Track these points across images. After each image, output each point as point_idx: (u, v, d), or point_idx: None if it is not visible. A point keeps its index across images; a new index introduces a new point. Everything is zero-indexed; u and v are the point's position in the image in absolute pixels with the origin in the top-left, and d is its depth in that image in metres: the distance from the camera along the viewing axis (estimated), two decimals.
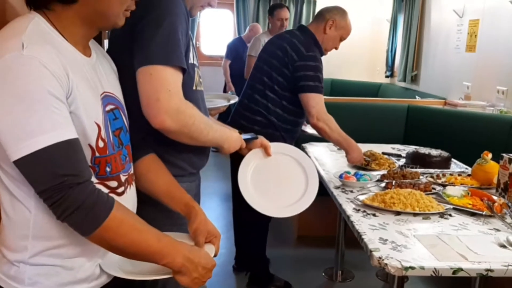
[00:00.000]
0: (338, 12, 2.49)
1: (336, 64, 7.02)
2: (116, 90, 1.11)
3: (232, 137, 1.40)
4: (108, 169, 1.02)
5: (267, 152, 1.52)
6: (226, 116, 2.62)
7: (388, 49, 6.51)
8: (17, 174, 0.89)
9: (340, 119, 2.77)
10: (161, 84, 1.14)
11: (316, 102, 2.35)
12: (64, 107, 0.88)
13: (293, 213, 1.48)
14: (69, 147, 0.88)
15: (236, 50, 5.81)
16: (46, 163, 0.85)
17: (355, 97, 5.06)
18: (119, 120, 1.09)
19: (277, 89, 2.43)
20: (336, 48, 2.57)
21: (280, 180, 1.50)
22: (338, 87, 6.92)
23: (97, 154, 0.99)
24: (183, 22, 1.21)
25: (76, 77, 0.93)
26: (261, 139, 1.52)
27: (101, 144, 0.99)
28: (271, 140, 2.41)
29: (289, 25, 7.02)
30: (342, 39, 2.53)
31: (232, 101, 1.83)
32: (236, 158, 2.59)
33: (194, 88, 1.33)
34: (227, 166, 2.78)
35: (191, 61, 1.29)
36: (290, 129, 2.50)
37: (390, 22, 6.45)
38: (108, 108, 1.04)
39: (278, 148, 1.55)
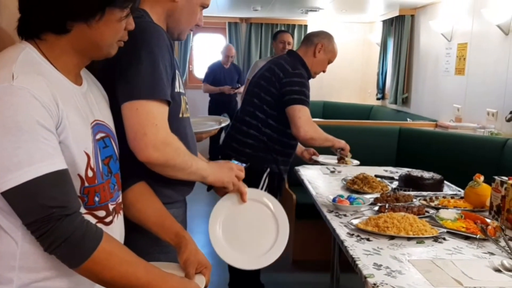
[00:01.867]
0: (325, 36, 2.57)
1: (328, 87, 7.10)
2: (106, 118, 1.11)
3: (215, 165, 1.37)
4: (96, 199, 1.00)
5: (242, 198, 1.47)
6: (218, 139, 2.63)
7: (378, 72, 6.59)
8: (4, 205, 0.87)
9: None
10: (147, 118, 1.15)
11: (301, 112, 2.38)
12: (53, 138, 0.88)
13: (260, 266, 1.43)
14: (58, 178, 0.87)
15: (214, 73, 5.91)
16: (34, 195, 0.84)
17: (347, 119, 5.10)
18: (109, 148, 1.08)
19: (266, 108, 2.46)
20: (324, 71, 2.63)
21: (251, 228, 1.45)
22: (330, 110, 6.97)
23: (86, 184, 0.97)
24: (166, 54, 1.22)
25: (66, 106, 0.92)
26: (239, 185, 1.45)
27: (90, 173, 0.98)
28: (263, 165, 2.43)
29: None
30: (330, 62, 2.61)
31: (223, 124, 1.82)
32: None
33: (180, 115, 1.33)
34: None
35: (177, 89, 1.30)
36: (282, 151, 2.50)
37: (380, 45, 6.55)
38: (98, 136, 1.04)
39: (253, 194, 1.51)
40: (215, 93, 5.83)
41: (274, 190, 2.61)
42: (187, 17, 1.38)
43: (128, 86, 1.15)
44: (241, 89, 5.63)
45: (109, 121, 1.12)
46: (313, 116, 6.09)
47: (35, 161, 0.84)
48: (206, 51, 7.34)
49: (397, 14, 5.69)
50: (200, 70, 7.26)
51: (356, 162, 2.80)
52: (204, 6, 1.41)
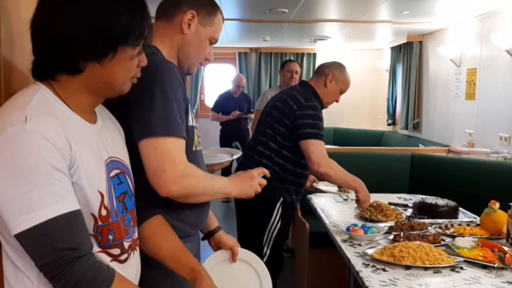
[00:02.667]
0: (337, 67, 2.58)
1: (339, 113, 7.12)
2: (122, 154, 1.11)
3: (236, 179, 1.41)
4: (110, 237, 1.00)
5: (233, 257, 1.51)
6: (229, 170, 2.64)
7: (388, 97, 6.62)
8: (19, 246, 0.88)
9: (344, 168, 2.79)
10: (165, 155, 1.17)
11: (315, 148, 2.36)
12: (66, 179, 0.88)
13: None
14: (70, 220, 0.87)
15: (223, 102, 5.97)
16: (46, 238, 0.85)
17: (358, 145, 5.10)
18: (124, 185, 1.08)
19: (279, 139, 2.46)
20: (337, 101, 2.63)
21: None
22: (341, 136, 6.98)
23: (99, 223, 0.97)
24: (178, 89, 1.24)
25: (80, 147, 0.93)
26: (232, 243, 1.51)
27: (104, 212, 0.98)
28: (277, 194, 2.42)
29: None
30: (342, 92, 2.60)
31: (235, 156, 1.84)
32: (242, 209, 2.61)
33: (194, 149, 1.35)
34: (234, 217, 2.76)
35: (190, 123, 1.32)
36: (294, 181, 2.49)
37: (389, 71, 6.59)
38: (113, 173, 1.04)
39: (244, 255, 1.53)
40: (225, 122, 5.88)
41: (287, 219, 2.60)
42: (196, 50, 1.40)
43: (144, 124, 1.18)
44: (252, 116, 5.67)
45: (124, 157, 1.12)
46: (324, 143, 6.06)
47: (47, 203, 0.84)
48: (217, 80, 7.45)
49: (405, 41, 5.75)
50: (211, 99, 7.35)
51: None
52: (213, 41, 1.43)
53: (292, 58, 7.29)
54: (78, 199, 0.91)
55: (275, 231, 2.46)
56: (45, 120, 0.88)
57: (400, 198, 3.04)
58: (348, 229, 2.12)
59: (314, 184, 2.71)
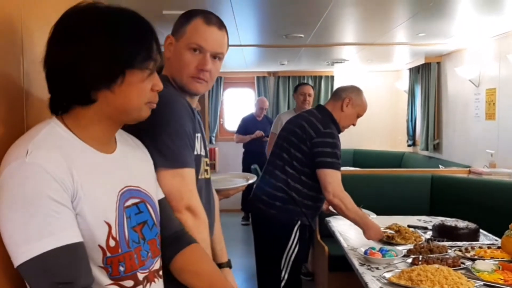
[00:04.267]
0: (353, 90, 2.59)
1: (358, 135, 7.09)
2: (143, 183, 1.09)
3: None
4: (122, 268, 0.97)
5: None
6: (250, 192, 2.66)
7: (408, 118, 6.58)
8: None
9: (363, 191, 2.79)
10: (183, 184, 1.27)
11: (332, 178, 2.37)
12: (66, 211, 0.88)
13: None
14: (66, 253, 0.86)
15: (247, 125, 6.05)
16: (42, 270, 0.84)
17: (378, 167, 5.07)
18: (144, 214, 1.06)
19: (296, 164, 2.47)
20: (354, 125, 2.63)
21: None
22: (361, 158, 6.95)
23: (108, 254, 0.95)
24: (188, 122, 1.31)
25: (85, 177, 0.92)
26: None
27: (112, 243, 0.96)
28: (294, 217, 2.43)
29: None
30: (359, 116, 2.60)
31: (251, 181, 1.87)
32: (259, 233, 2.62)
33: (199, 177, 1.40)
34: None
35: (197, 152, 1.37)
36: (311, 205, 2.49)
37: (408, 92, 6.58)
38: (129, 202, 1.02)
39: None
40: (248, 145, 5.94)
41: (306, 242, 2.59)
42: (179, 66, 1.36)
43: (160, 155, 1.24)
44: None
45: (147, 186, 1.11)
46: (343, 165, 6.05)
47: (44, 235, 0.84)
48: (236, 104, 7.54)
49: (423, 62, 5.75)
50: (230, 123, 7.44)
51: (373, 215, 2.78)
52: (195, 46, 1.34)
53: (309, 81, 7.35)
54: (82, 231, 0.90)
55: (293, 255, 2.46)
56: (46, 153, 0.89)
57: (420, 220, 3.01)
58: (365, 252, 2.12)
59: (331, 208, 2.70)
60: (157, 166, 1.23)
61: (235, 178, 1.91)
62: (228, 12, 3.27)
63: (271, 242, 2.51)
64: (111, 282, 0.97)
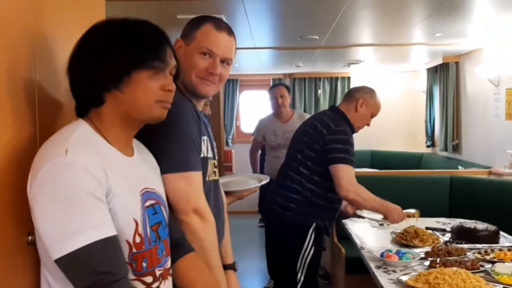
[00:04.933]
0: (367, 91, 2.58)
1: (375, 135, 7.04)
2: (157, 186, 1.17)
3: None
4: (144, 265, 1.04)
5: None
6: (266, 192, 2.66)
7: (426, 119, 6.50)
8: (58, 271, 0.92)
9: (380, 192, 2.76)
10: (190, 187, 1.29)
11: (345, 173, 2.35)
12: (103, 206, 0.94)
13: None
14: (107, 245, 0.92)
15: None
16: (84, 262, 0.89)
17: (397, 168, 5.03)
18: (159, 215, 1.13)
19: (309, 164, 2.46)
20: (368, 125, 2.62)
21: None
22: (379, 159, 6.89)
23: (134, 250, 1.01)
24: (193, 125, 1.33)
25: (116, 177, 0.99)
26: None
27: (137, 239, 1.02)
28: (309, 220, 2.42)
29: (326, 101, 7.26)
30: (373, 116, 2.59)
31: (264, 182, 1.87)
32: (274, 235, 2.61)
33: (207, 178, 1.41)
34: None
35: (204, 154, 1.39)
36: (326, 206, 2.47)
37: (426, 93, 6.50)
38: (148, 203, 1.08)
39: None
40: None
41: (320, 245, 2.58)
42: (187, 69, 1.37)
43: (166, 160, 1.27)
44: None
45: (159, 188, 1.18)
46: (360, 166, 6.00)
47: (86, 229, 0.89)
48: (252, 106, 7.55)
49: (441, 61, 5.68)
50: (247, 125, 7.46)
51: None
52: (205, 51, 1.37)
53: (325, 82, 7.32)
54: (114, 226, 0.96)
55: (309, 257, 2.45)
56: (84, 153, 0.95)
57: (438, 222, 2.97)
58: (382, 254, 2.10)
59: (358, 212, 2.62)
60: (163, 170, 1.25)
61: (248, 179, 1.92)
62: (242, 15, 3.28)
63: (287, 244, 2.50)
64: (134, 277, 1.02)
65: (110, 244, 0.93)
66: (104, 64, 1.00)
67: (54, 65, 1.19)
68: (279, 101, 4.13)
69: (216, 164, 1.50)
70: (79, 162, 0.92)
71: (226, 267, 1.55)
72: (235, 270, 1.61)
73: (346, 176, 2.34)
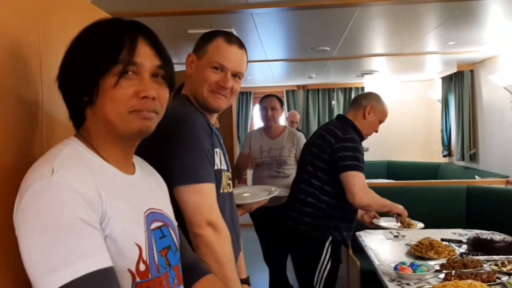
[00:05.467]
0: (373, 97, 2.57)
1: (391, 146, 6.99)
2: (164, 206, 1.04)
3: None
4: None
5: None
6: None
7: (442, 128, 6.43)
8: None
9: (398, 203, 2.78)
10: (202, 199, 1.27)
11: (356, 179, 2.32)
12: (95, 233, 0.81)
13: None
14: (99, 279, 0.78)
15: None
16: None
17: (413, 178, 4.97)
18: (168, 238, 1.00)
19: (320, 175, 2.44)
20: (376, 131, 2.60)
21: None
22: (395, 169, 6.82)
23: (137, 279, 0.88)
24: (205, 137, 1.32)
25: (113, 197, 0.87)
26: None
27: (142, 267, 0.89)
28: (325, 233, 2.39)
29: (340, 112, 7.23)
30: (381, 122, 2.58)
31: (273, 194, 1.85)
32: (291, 250, 2.59)
33: (221, 191, 1.40)
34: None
35: (217, 167, 1.37)
36: (343, 216, 2.44)
37: (441, 102, 6.44)
38: (154, 225, 0.96)
39: None
40: None
41: (338, 259, 2.53)
42: (200, 83, 1.39)
43: (178, 173, 1.25)
44: None
45: (167, 209, 1.06)
46: (376, 177, 5.91)
47: (73, 261, 0.76)
48: None
49: (455, 70, 5.63)
50: None
51: (421, 225, 2.67)
52: (216, 65, 1.38)
53: (339, 93, 7.31)
54: (112, 254, 0.83)
55: (326, 271, 2.41)
56: (74, 171, 0.83)
57: (454, 233, 2.91)
58: (396, 267, 2.07)
59: (375, 221, 2.61)
60: (175, 183, 1.23)
61: (258, 192, 1.91)
62: (252, 28, 3.31)
63: (303, 258, 2.48)
64: None
65: (101, 277, 0.78)
66: (73, 75, 0.90)
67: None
68: (268, 113, 3.56)
69: (230, 176, 1.49)
70: (67, 183, 0.80)
71: (241, 281, 1.54)
72: (249, 284, 1.60)
73: (358, 183, 2.31)
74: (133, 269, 0.87)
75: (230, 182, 1.48)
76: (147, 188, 1.02)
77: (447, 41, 4.02)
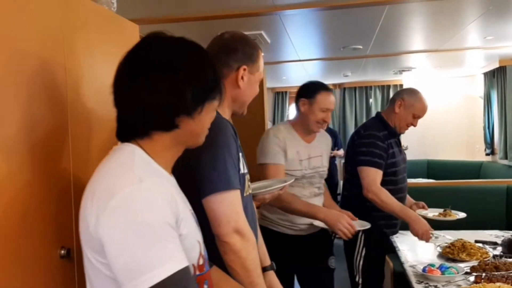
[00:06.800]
0: (407, 92, 2.64)
1: (431, 144, 6.81)
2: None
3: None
4: (205, 287, 1.00)
5: None
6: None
7: (484, 125, 6.20)
8: None
9: (434, 203, 2.74)
10: (230, 208, 1.29)
11: (366, 174, 2.47)
12: (176, 235, 0.89)
13: None
14: (183, 276, 0.86)
15: None
16: None
17: (455, 178, 4.85)
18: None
19: (350, 169, 2.64)
20: (414, 125, 2.63)
21: None
22: (436, 168, 6.65)
23: (197, 272, 0.97)
24: (232, 144, 1.34)
25: (177, 198, 0.95)
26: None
27: (201, 261, 0.98)
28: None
29: (378, 110, 7.11)
30: (415, 116, 2.60)
31: (288, 182, 1.84)
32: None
33: (245, 194, 1.42)
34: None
35: (241, 171, 1.40)
36: (373, 206, 2.50)
37: (483, 98, 6.21)
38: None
39: None
40: None
41: (379, 248, 2.63)
42: (250, 96, 1.50)
43: (208, 182, 1.28)
44: (339, 152, 5.63)
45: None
46: (416, 176, 5.74)
47: (165, 261, 0.84)
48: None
49: (497, 65, 5.42)
50: None
51: (463, 214, 2.67)
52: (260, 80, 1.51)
53: (377, 91, 7.20)
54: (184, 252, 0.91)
55: (361, 259, 2.51)
56: (156, 179, 0.91)
57: (491, 235, 2.82)
58: (424, 269, 2.04)
59: (419, 211, 2.62)
60: (203, 190, 1.27)
61: (274, 183, 1.90)
62: (282, 31, 3.33)
63: (345, 249, 2.65)
64: None
65: (186, 273, 0.88)
66: (186, 93, 0.96)
67: (86, 79, 1.26)
68: (327, 117, 2.41)
69: (248, 177, 1.53)
70: (155, 189, 0.88)
71: (266, 268, 1.59)
72: (274, 270, 1.63)
73: (367, 176, 2.46)
74: (196, 263, 0.98)
75: (249, 183, 1.52)
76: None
77: (485, 36, 3.89)
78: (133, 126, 0.97)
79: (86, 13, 1.31)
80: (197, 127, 1.00)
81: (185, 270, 0.86)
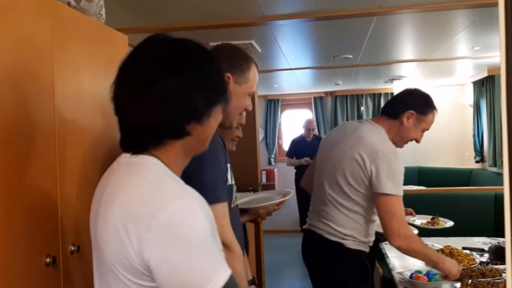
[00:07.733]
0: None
1: (422, 152, 6.86)
2: None
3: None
4: None
5: None
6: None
7: (474, 133, 6.28)
8: None
9: (425, 210, 2.77)
10: (216, 221, 1.28)
11: None
12: (218, 241, 0.92)
13: None
14: (233, 280, 0.89)
15: (296, 147, 6.07)
16: None
17: (445, 185, 4.88)
18: None
19: None
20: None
21: None
22: (426, 175, 6.70)
23: None
24: (221, 156, 1.35)
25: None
26: None
27: None
28: None
29: (368, 117, 7.16)
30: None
31: (287, 196, 1.81)
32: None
33: (232, 206, 1.43)
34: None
35: (229, 182, 1.40)
36: None
37: (473, 106, 6.29)
38: None
39: None
40: (300, 166, 5.95)
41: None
42: (235, 108, 1.44)
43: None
44: None
45: None
46: (407, 183, 5.79)
47: (218, 268, 0.87)
48: (294, 126, 7.59)
49: (486, 74, 5.50)
50: (289, 144, 7.49)
51: (451, 223, 2.68)
52: (250, 94, 1.47)
53: (368, 99, 7.26)
54: None
55: None
56: (189, 191, 0.91)
57: (479, 242, 2.86)
58: (411, 276, 2.06)
59: (407, 218, 2.53)
60: None
61: (274, 196, 1.86)
62: (272, 40, 3.37)
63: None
64: None
65: (233, 278, 0.90)
66: (198, 99, 0.95)
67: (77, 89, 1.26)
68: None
69: (235, 189, 1.53)
70: (194, 201, 0.89)
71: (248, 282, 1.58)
72: (255, 284, 1.64)
73: None
74: None
75: (236, 195, 1.52)
76: None
77: (472, 46, 3.96)
78: (145, 136, 0.94)
79: (74, 25, 1.33)
80: (205, 132, 0.99)
81: (231, 274, 0.88)
